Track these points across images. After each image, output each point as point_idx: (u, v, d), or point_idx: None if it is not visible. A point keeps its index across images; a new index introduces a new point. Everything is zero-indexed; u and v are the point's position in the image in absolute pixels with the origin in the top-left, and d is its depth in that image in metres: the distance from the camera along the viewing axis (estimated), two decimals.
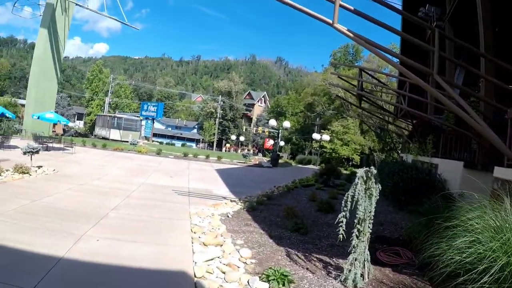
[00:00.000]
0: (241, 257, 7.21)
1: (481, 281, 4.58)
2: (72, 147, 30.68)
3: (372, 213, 6.29)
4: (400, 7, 23.22)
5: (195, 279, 6.07)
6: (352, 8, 8.20)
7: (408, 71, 8.14)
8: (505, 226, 5.13)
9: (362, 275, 6.17)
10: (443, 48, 15.07)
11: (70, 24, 44.66)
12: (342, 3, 7.71)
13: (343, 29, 7.50)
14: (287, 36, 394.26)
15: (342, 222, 6.14)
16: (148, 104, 74.85)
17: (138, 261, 6.56)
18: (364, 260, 6.23)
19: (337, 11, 7.38)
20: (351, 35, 7.63)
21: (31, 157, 16.85)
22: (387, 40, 77.53)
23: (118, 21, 45.94)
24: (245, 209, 12.30)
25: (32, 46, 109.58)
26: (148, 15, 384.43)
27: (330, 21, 7.37)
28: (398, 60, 16.23)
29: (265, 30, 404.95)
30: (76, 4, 43.69)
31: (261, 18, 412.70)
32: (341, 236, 6.08)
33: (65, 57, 79.35)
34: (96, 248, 7.05)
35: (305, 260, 7.37)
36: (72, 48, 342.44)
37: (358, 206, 6.13)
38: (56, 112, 41.09)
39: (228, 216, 11.05)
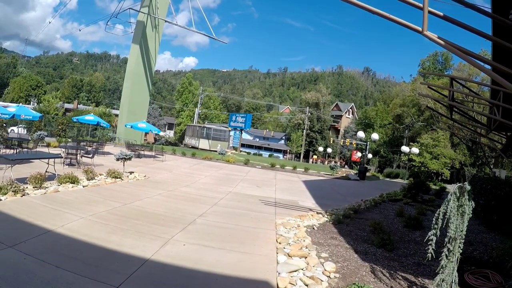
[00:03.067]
0: (325, 270, 7.24)
1: None
2: (162, 155, 31.82)
3: (464, 232, 6.13)
4: (489, 10, 22.41)
5: None
6: (441, 14, 8.05)
7: (502, 79, 7.88)
8: None
9: None
10: None
11: (160, 39, 46.70)
12: (431, 9, 7.60)
13: (434, 36, 7.38)
14: (374, 46, 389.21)
15: (431, 240, 6.04)
16: (237, 115, 75.80)
17: (222, 268, 6.78)
18: (452, 282, 6.08)
19: (426, 18, 7.28)
20: (442, 42, 7.49)
21: (123, 163, 17.76)
22: (477, 46, 74.61)
23: (206, 35, 47.59)
24: (331, 222, 12.26)
25: (125, 61, 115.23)
26: (234, 29, 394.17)
27: (420, 29, 7.28)
28: (490, 67, 15.65)
29: (351, 41, 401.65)
30: (166, 21, 45.64)
31: (348, 28, 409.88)
32: (430, 255, 5.99)
33: (156, 70, 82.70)
34: (182, 252, 7.37)
35: (389, 277, 7.29)
36: (163, 62, 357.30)
37: (449, 224, 6.00)
38: (148, 122, 43.00)
39: (313, 228, 11.08)
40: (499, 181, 14.75)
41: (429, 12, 7.63)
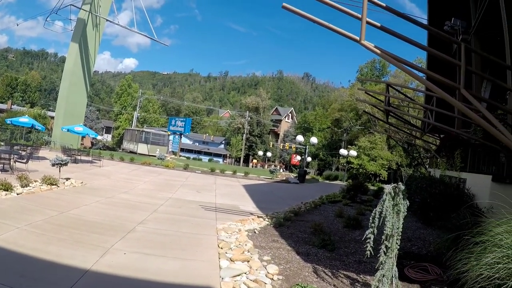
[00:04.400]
0: (268, 273, 7.19)
1: None
2: (100, 160, 31.15)
3: (400, 229, 6.23)
4: (425, 21, 23.21)
5: None
6: (378, 24, 8.23)
7: (434, 86, 8.11)
8: None
9: None
10: (469, 62, 14.95)
11: (101, 39, 45.47)
12: (369, 19, 7.75)
13: (370, 45, 7.52)
14: (314, 52, 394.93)
15: (369, 238, 6.10)
16: (176, 119, 75.11)
17: (165, 276, 6.60)
18: (392, 277, 6.17)
19: (364, 28, 7.42)
20: (378, 51, 7.64)
21: (59, 169, 17.07)
22: (414, 54, 77.34)
23: (148, 37, 46.91)
24: (272, 225, 12.24)
25: (63, 60, 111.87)
26: (177, 31, 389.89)
27: (357, 38, 7.41)
28: (424, 75, 16.17)
29: (292, 46, 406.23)
30: (107, 20, 44.53)
31: (290, 34, 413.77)
32: (368, 252, 6.03)
33: (95, 71, 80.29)
34: (123, 261, 7.12)
35: (332, 276, 7.33)
36: (102, 62, 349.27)
37: (385, 222, 6.09)
38: (85, 125, 41.86)
39: (255, 232, 11.00)
40: (433, 180, 15.19)
41: (367, 22, 7.78)
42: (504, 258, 4.97)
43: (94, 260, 6.90)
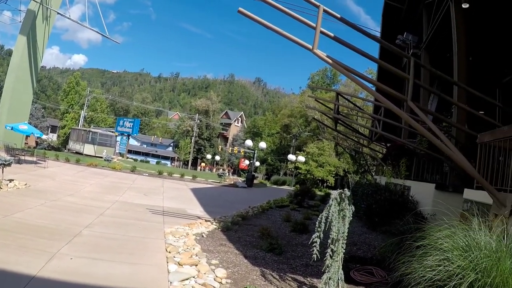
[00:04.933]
0: (217, 276, 7.21)
1: None
2: (45, 161, 30.05)
3: (346, 234, 6.40)
4: (379, 34, 23.85)
5: None
6: (332, 35, 8.40)
7: (382, 97, 8.36)
8: (473, 245, 5.32)
9: None
10: (418, 75, 15.48)
11: (50, 32, 43.86)
12: (322, 29, 7.88)
13: (323, 55, 7.68)
14: (266, 58, 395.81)
15: (316, 242, 6.23)
16: (124, 119, 73.74)
17: (113, 281, 6.50)
18: (338, 279, 6.32)
19: (317, 37, 7.55)
20: (330, 61, 7.81)
21: (2, 169, 16.47)
22: (365, 64, 78.76)
23: (99, 33, 45.34)
24: (220, 229, 12.26)
25: (9, 53, 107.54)
26: (129, 28, 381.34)
27: (310, 47, 7.53)
28: (374, 86, 16.60)
29: (245, 51, 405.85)
30: (58, 13, 43.00)
31: (243, 39, 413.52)
32: (315, 256, 6.16)
33: (42, 66, 77.33)
34: (70, 266, 6.96)
35: (280, 280, 7.43)
36: (50, 57, 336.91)
37: (332, 227, 6.24)
38: (30, 123, 40.43)
39: (203, 236, 10.97)
40: (379, 187, 15.60)
41: (321, 32, 7.92)
42: (444, 261, 5.19)
43: (40, 266, 6.71)
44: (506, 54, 15.77)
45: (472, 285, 4.81)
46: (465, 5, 13.40)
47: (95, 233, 10.03)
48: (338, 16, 8.89)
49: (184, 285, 6.66)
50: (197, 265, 7.78)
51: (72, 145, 64.02)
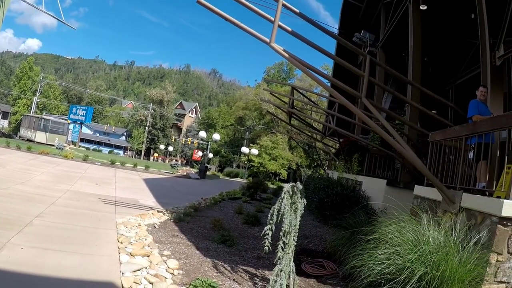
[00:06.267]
0: (169, 268, 7.16)
1: None
2: None
3: (297, 227, 6.44)
4: (336, 30, 24.09)
5: None
6: (290, 29, 8.43)
7: (337, 93, 8.43)
8: (422, 239, 5.47)
9: (287, 286, 6.31)
10: (373, 73, 15.74)
11: (5, 15, 42.41)
12: (280, 23, 7.90)
13: (279, 49, 7.69)
14: (223, 49, 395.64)
15: (268, 234, 6.25)
16: (78, 107, 72.13)
17: (65, 272, 6.36)
18: (290, 272, 6.37)
19: (275, 31, 7.56)
20: (286, 55, 7.83)
21: None
22: (322, 61, 79.44)
23: (55, 17, 43.82)
24: (172, 220, 12.14)
25: None
26: (86, 14, 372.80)
27: (268, 40, 7.53)
28: (329, 81, 16.81)
29: (202, 41, 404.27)
30: None
31: (200, 29, 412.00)
32: (266, 248, 6.18)
33: None
34: (21, 257, 6.78)
35: (231, 271, 7.43)
36: (3, 41, 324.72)
37: (283, 219, 6.26)
38: None
39: (155, 227, 10.84)
40: (331, 181, 15.79)
41: (279, 26, 7.92)
42: (394, 255, 5.32)
43: None
44: (460, 56, 16.24)
45: (422, 278, 4.95)
46: (423, 7, 13.71)
47: (47, 222, 9.77)
48: (297, 11, 8.93)
49: (136, 275, 6.57)
50: (149, 256, 7.70)
51: (23, 132, 62.22)
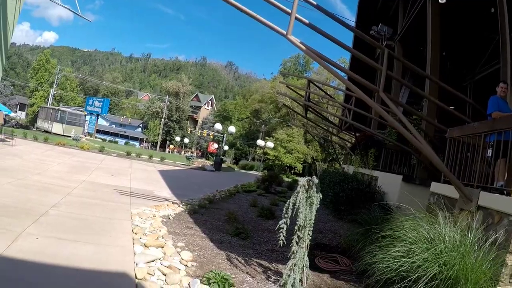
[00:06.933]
0: (182, 259, 7.17)
1: None
2: (12, 139, 29.50)
3: (312, 221, 6.42)
4: (354, 24, 23.90)
5: (136, 280, 5.98)
6: (307, 21, 8.37)
7: (354, 86, 8.35)
8: (438, 238, 5.41)
9: (301, 280, 6.30)
10: (391, 67, 15.60)
11: (22, 8, 42.61)
12: (297, 15, 7.84)
13: (296, 41, 7.62)
14: (239, 41, 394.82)
15: (282, 228, 6.23)
16: (94, 99, 72.49)
17: (79, 261, 6.39)
18: (303, 266, 6.36)
19: (292, 23, 7.49)
20: (303, 47, 7.76)
21: None
22: (338, 54, 78.90)
23: (71, 10, 43.90)
24: (186, 212, 12.17)
25: None
26: (102, 7, 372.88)
27: (284, 32, 7.47)
28: (346, 75, 16.71)
29: (218, 34, 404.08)
30: None
31: (216, 22, 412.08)
32: (281, 242, 6.17)
33: (12, 43, 74.95)
34: (36, 246, 6.82)
35: (245, 264, 7.44)
36: (20, 34, 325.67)
37: (298, 213, 6.24)
38: None
39: (169, 218, 10.88)
40: (346, 176, 15.71)
41: (296, 18, 7.86)
42: (409, 252, 5.27)
43: (5, 245, 6.54)
44: (479, 51, 16.01)
45: (436, 277, 4.90)
46: (442, 0, 13.50)
47: (62, 212, 9.84)
48: (315, 3, 8.86)
49: (149, 266, 6.59)
50: (163, 247, 7.73)
51: (40, 123, 62.65)
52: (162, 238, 8.56)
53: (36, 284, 5.49)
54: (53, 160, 22.30)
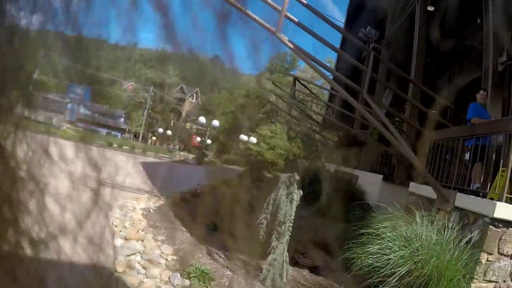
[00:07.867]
0: (163, 253, 7.21)
1: (391, 284, 4.99)
2: None
3: (292, 217, 6.52)
4: (342, 24, 24.01)
5: (116, 274, 6.01)
6: (296, 20, 8.44)
7: (339, 87, 8.48)
8: (415, 236, 5.56)
9: (280, 275, 6.40)
10: (376, 69, 15.75)
11: None
12: (287, 13, 7.90)
13: (285, 39, 7.68)
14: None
15: (262, 223, 6.32)
16: (76, 86, 71.65)
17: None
18: (283, 261, 6.45)
19: (281, 21, 7.55)
20: (291, 46, 7.82)
21: None
22: (325, 54, 78.90)
23: None
24: (167, 205, 12.19)
25: None
26: None
27: (274, 30, 7.53)
28: (331, 74, 16.82)
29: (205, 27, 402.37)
30: None
31: (203, 14, 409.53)
32: (261, 237, 6.26)
33: None
34: None
35: (225, 258, 7.52)
36: None
37: (279, 209, 6.33)
38: None
39: (150, 211, 10.86)
40: (328, 174, 15.82)
41: (286, 16, 7.92)
42: (386, 249, 5.42)
43: None
44: (462, 59, 16.23)
45: (410, 274, 5.05)
46: (430, 8, 13.70)
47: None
48: (305, 2, 8.93)
49: (129, 260, 6.60)
50: (143, 240, 7.75)
51: None
52: (143, 231, 8.56)
53: None
54: None
